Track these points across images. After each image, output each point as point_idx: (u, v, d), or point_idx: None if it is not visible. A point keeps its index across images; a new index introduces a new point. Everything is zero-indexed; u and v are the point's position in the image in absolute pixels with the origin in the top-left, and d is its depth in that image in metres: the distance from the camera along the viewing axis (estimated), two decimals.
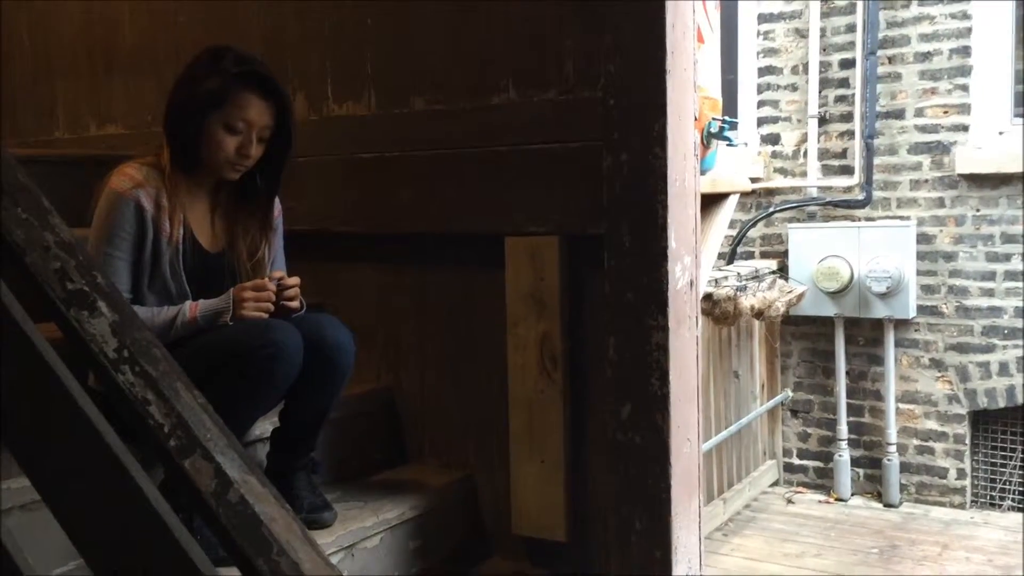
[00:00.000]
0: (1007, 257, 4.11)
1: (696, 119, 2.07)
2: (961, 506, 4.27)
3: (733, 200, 3.10)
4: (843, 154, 4.47)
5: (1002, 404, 4.18)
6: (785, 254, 4.53)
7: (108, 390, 1.13)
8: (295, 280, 2.00)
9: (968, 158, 4.15)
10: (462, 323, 2.41)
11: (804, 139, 4.53)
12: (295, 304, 2.00)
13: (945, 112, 4.21)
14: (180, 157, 1.97)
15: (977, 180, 4.16)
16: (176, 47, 2.91)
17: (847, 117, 4.43)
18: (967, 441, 4.27)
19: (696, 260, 2.07)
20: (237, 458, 1.09)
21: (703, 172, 2.47)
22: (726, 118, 2.70)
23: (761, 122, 4.64)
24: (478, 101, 2.31)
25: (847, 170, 4.45)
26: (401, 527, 2.18)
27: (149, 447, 1.12)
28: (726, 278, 3.95)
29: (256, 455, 2.10)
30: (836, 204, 4.44)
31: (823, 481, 4.55)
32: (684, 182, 2.01)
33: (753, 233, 4.65)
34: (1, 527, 1.24)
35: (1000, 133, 4.14)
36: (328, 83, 2.58)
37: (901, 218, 4.31)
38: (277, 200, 2.14)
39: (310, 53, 2.61)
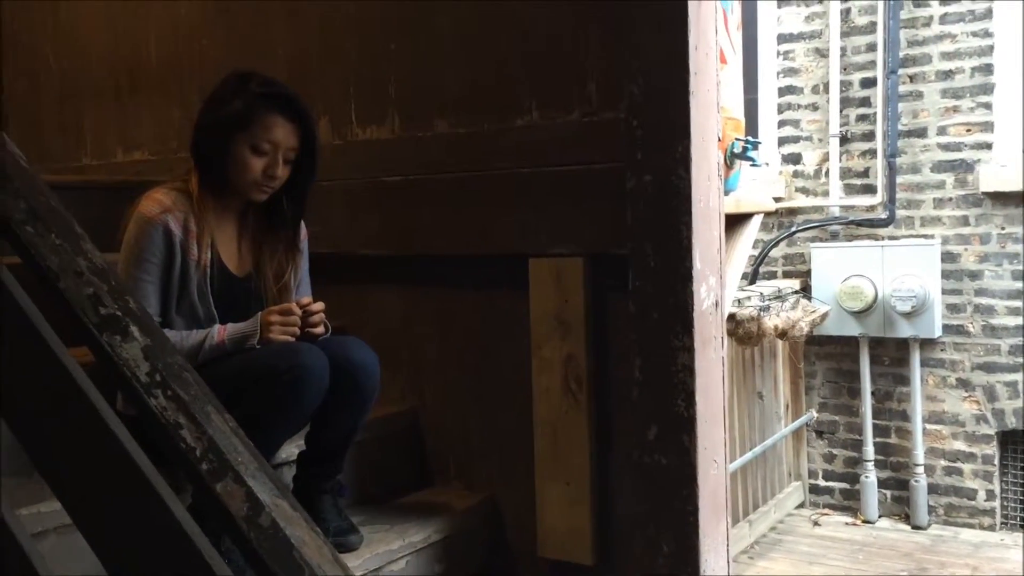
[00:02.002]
0: None
1: (719, 140, 2.07)
2: (991, 528, 4.21)
3: (757, 220, 3.09)
4: (865, 173, 4.45)
5: None
6: (808, 274, 4.51)
7: (140, 414, 1.14)
8: (320, 305, 2.01)
9: (992, 176, 4.12)
10: (486, 345, 2.41)
11: (825, 158, 4.52)
12: (320, 329, 2.01)
13: (968, 130, 4.19)
14: (208, 180, 1.98)
15: (1001, 198, 4.13)
16: (201, 72, 2.94)
17: (869, 136, 4.42)
18: (996, 462, 4.22)
19: (721, 280, 2.06)
20: (268, 481, 1.10)
21: (727, 192, 2.47)
22: (749, 138, 2.69)
23: (782, 142, 4.64)
24: (501, 123, 2.32)
25: (869, 189, 4.43)
26: (427, 550, 2.17)
27: (181, 470, 1.12)
28: (749, 298, 3.93)
29: (283, 478, 2.11)
30: (859, 223, 4.42)
31: (850, 503, 4.50)
32: (708, 202, 2.00)
33: (775, 253, 4.63)
34: (33, 551, 1.25)
35: None
36: (352, 107, 2.61)
37: (925, 237, 4.28)
38: (303, 223, 2.15)
39: (333, 77, 2.64)
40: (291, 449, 2.10)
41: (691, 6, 1.93)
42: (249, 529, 1.05)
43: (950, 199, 4.25)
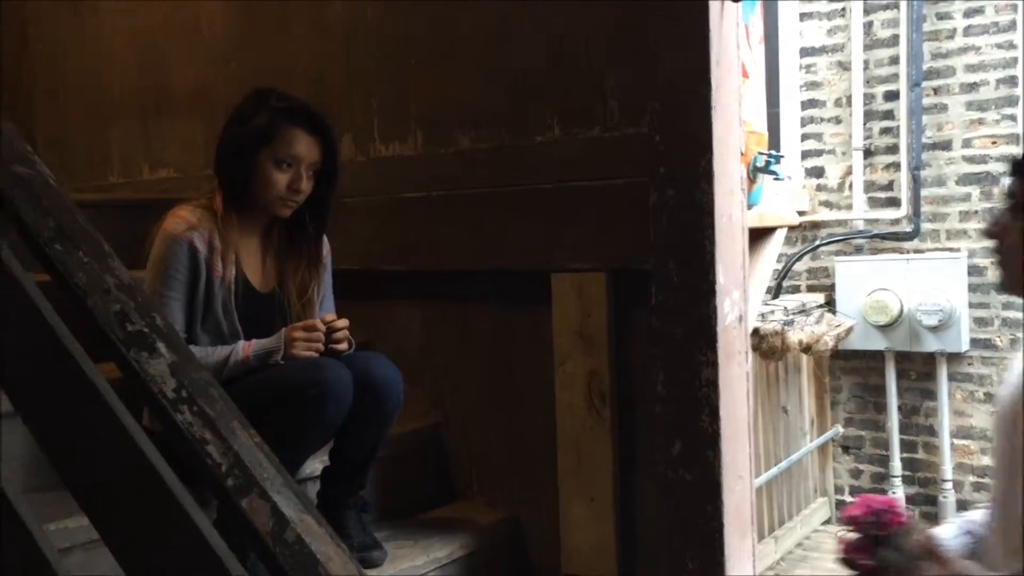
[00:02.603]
0: None
1: (742, 153, 2.06)
2: None
3: (781, 234, 3.08)
4: (889, 186, 4.42)
5: None
6: (832, 288, 4.48)
7: (167, 429, 1.15)
8: (344, 322, 2.02)
9: None
10: (509, 360, 2.41)
11: (849, 172, 4.49)
12: (343, 346, 2.01)
13: (994, 143, 4.16)
14: (232, 197, 2.00)
15: None
16: (227, 92, 2.97)
17: (893, 149, 4.39)
18: None
19: (744, 295, 2.05)
20: (293, 497, 1.10)
21: (750, 206, 2.46)
22: (772, 152, 2.69)
23: (805, 155, 4.62)
24: (523, 139, 2.33)
25: (894, 202, 4.40)
26: (451, 566, 2.17)
27: (207, 486, 1.13)
28: (773, 312, 3.91)
29: (306, 493, 2.11)
30: (883, 237, 4.39)
31: None
32: (731, 217, 2.00)
33: (799, 267, 4.60)
34: (60, 566, 1.25)
35: None
36: (374, 124, 2.62)
37: (951, 250, 4.24)
38: (325, 239, 2.16)
39: (356, 95, 2.66)
40: (315, 464, 2.11)
41: (713, 21, 1.93)
42: (275, 544, 1.05)
43: (976, 212, 4.21)
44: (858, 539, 1.50)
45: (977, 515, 1.61)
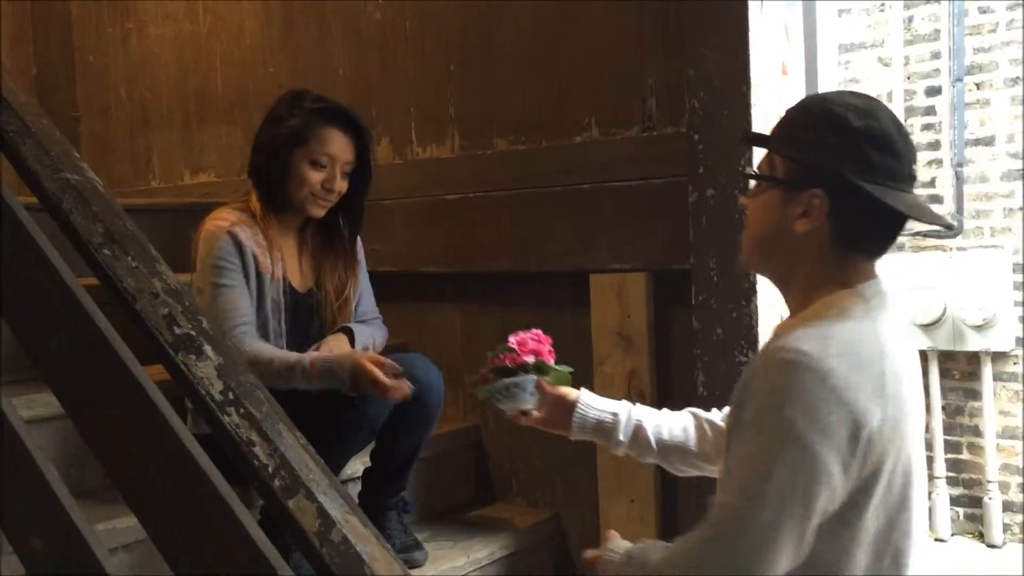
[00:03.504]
0: None
1: None
2: None
3: None
4: (931, 183, 4.35)
5: None
6: None
7: (214, 431, 1.16)
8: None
9: None
10: None
11: None
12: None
13: None
14: (268, 198, 2.02)
15: None
16: (266, 98, 3.00)
17: (934, 145, 4.32)
18: None
19: None
20: (339, 498, 1.11)
21: None
22: None
23: None
24: (560, 140, 2.33)
25: (936, 199, 4.33)
26: (491, 567, 2.17)
27: (254, 487, 1.14)
28: None
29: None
30: (926, 234, 4.32)
31: None
32: None
33: None
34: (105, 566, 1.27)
35: None
36: (412, 127, 2.64)
37: (995, 247, 4.17)
38: (359, 237, 2.17)
39: (394, 98, 2.67)
40: (356, 466, 2.12)
41: (752, 19, 1.92)
42: (321, 545, 1.06)
43: (1020, 208, 4.14)
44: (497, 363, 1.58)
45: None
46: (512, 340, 1.60)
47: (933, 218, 1.29)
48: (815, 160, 1.21)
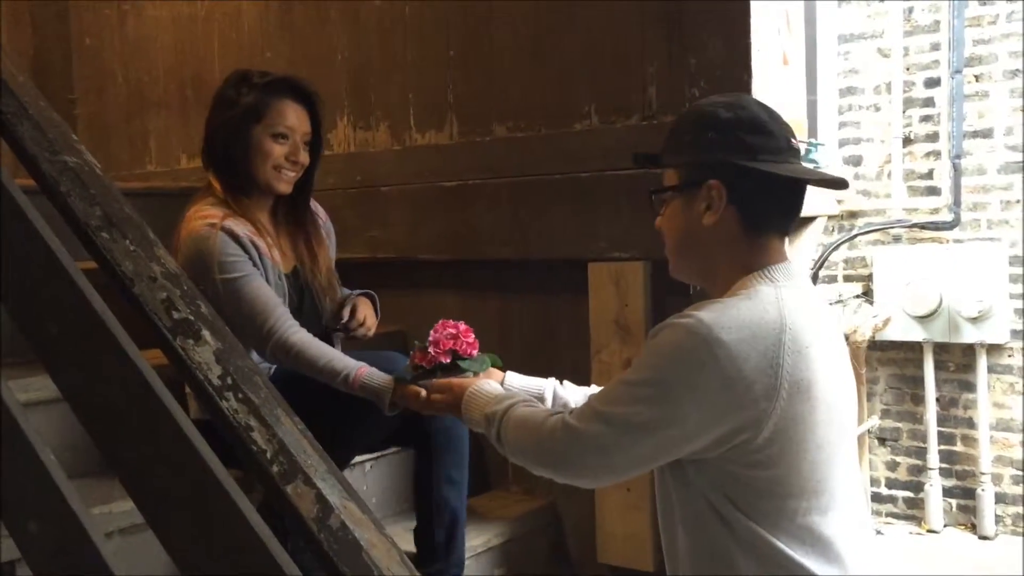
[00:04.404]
0: None
1: None
2: None
3: (820, 223, 3.04)
4: (929, 175, 4.35)
5: None
6: (870, 278, 4.42)
7: (212, 416, 1.16)
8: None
9: None
10: (545, 349, 2.41)
11: (888, 160, 4.43)
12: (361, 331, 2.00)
13: None
14: (232, 182, 1.96)
15: None
16: None
17: (933, 137, 4.32)
18: None
19: None
20: (337, 484, 1.11)
21: None
22: (811, 140, 2.66)
23: (843, 143, 4.56)
24: (560, 128, 2.32)
25: (933, 191, 4.33)
26: (486, 554, 2.18)
27: (252, 472, 1.14)
28: None
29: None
30: (923, 226, 4.32)
31: (913, 512, 4.41)
32: None
33: (835, 256, 4.55)
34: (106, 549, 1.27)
35: None
36: (411, 113, 2.63)
37: (991, 240, 4.18)
38: (318, 205, 2.14)
39: (393, 84, 2.66)
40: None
41: (754, 7, 1.91)
42: (319, 531, 1.06)
43: (1017, 201, 4.14)
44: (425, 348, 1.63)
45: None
46: (431, 336, 1.63)
47: (823, 179, 1.42)
48: (700, 157, 1.32)
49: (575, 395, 1.64)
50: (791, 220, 1.38)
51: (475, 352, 1.64)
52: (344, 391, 1.79)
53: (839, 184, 1.40)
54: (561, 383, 1.67)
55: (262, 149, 1.94)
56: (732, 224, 1.32)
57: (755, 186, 1.30)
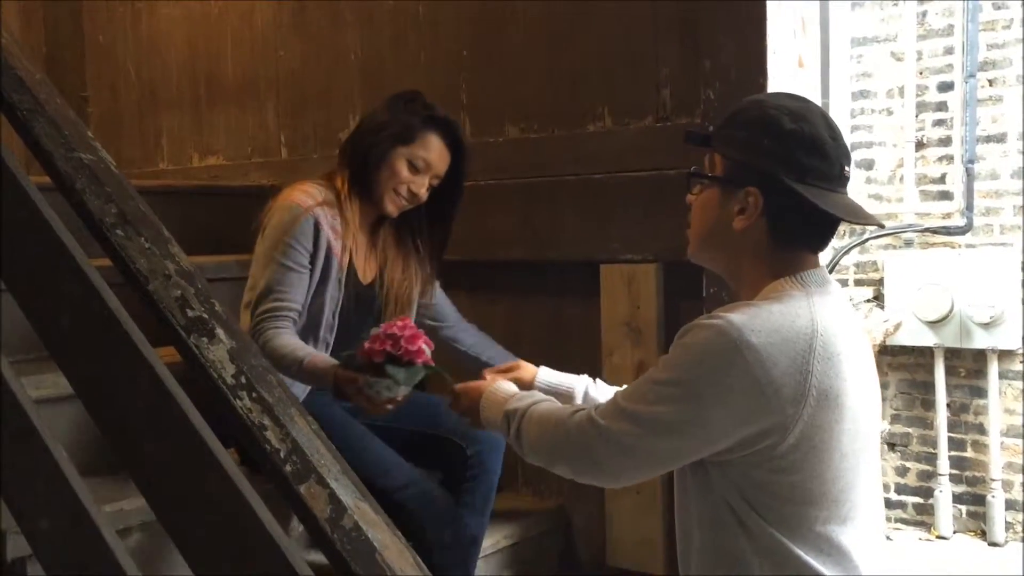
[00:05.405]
0: None
1: None
2: None
3: None
4: (941, 179, 4.33)
5: None
6: (881, 282, 4.40)
7: (226, 414, 1.16)
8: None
9: None
10: (557, 351, 2.39)
11: (900, 164, 4.41)
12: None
13: None
14: (355, 178, 2.00)
15: None
16: (276, 81, 2.99)
17: (945, 141, 4.30)
18: None
19: None
20: (350, 484, 1.11)
21: None
22: None
23: (855, 147, 4.54)
24: (573, 129, 2.32)
25: (946, 196, 4.31)
26: (496, 555, 2.17)
27: (265, 471, 1.14)
28: None
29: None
30: (935, 231, 4.30)
31: (923, 518, 4.38)
32: None
33: (847, 260, 4.53)
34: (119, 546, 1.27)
35: None
36: None
37: (1004, 245, 4.15)
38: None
39: (405, 84, 2.64)
40: None
41: (770, 9, 1.90)
42: (332, 531, 1.06)
43: None
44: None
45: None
46: (379, 329, 1.58)
47: (864, 218, 1.35)
48: (749, 160, 1.28)
49: (609, 395, 1.59)
50: (821, 244, 1.34)
51: (418, 361, 1.56)
52: (300, 380, 1.81)
53: (880, 226, 1.37)
54: (594, 381, 1.65)
55: (393, 168, 1.98)
56: (760, 234, 1.29)
57: (793, 207, 1.26)
